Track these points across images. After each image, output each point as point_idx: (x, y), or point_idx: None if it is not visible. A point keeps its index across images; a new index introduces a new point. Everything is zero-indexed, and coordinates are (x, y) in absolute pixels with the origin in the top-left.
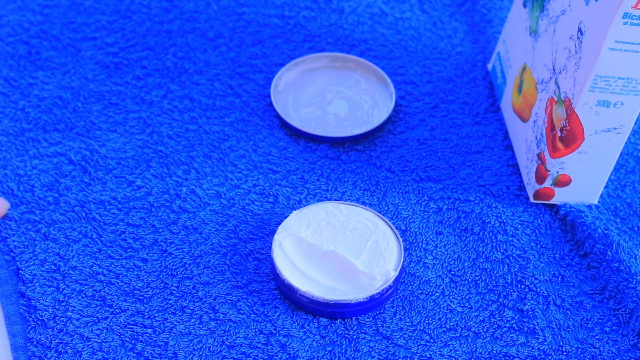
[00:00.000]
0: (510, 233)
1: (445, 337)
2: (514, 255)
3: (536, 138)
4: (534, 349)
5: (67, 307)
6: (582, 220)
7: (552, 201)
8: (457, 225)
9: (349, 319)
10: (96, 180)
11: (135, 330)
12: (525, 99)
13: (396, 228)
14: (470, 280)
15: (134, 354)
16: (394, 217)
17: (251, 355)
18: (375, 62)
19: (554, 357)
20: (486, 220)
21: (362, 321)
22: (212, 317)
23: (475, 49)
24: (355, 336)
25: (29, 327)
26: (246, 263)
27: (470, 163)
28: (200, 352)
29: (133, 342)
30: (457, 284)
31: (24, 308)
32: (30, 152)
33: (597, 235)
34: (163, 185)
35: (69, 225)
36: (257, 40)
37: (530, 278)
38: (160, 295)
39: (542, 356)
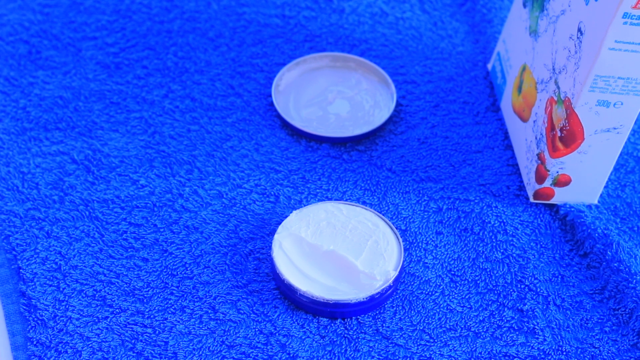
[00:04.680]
0: (510, 233)
1: (445, 337)
2: (514, 255)
3: (536, 138)
4: (533, 348)
5: (67, 306)
6: (582, 220)
7: (552, 201)
8: (457, 225)
9: (348, 319)
10: (99, 179)
11: (135, 330)
12: (525, 99)
13: (396, 228)
14: (470, 280)
15: (134, 354)
16: (394, 217)
17: (251, 355)
18: (376, 62)
19: (554, 357)
20: (486, 220)
21: (362, 321)
22: (212, 317)
23: (476, 49)
24: (355, 336)
25: (29, 327)
26: (246, 263)
27: (471, 162)
28: (200, 352)
29: (133, 341)
30: (457, 284)
31: (24, 307)
32: (33, 150)
33: (597, 235)
34: (166, 184)
35: (72, 223)
36: (257, 40)
37: (530, 278)
38: (161, 295)
39: (542, 356)
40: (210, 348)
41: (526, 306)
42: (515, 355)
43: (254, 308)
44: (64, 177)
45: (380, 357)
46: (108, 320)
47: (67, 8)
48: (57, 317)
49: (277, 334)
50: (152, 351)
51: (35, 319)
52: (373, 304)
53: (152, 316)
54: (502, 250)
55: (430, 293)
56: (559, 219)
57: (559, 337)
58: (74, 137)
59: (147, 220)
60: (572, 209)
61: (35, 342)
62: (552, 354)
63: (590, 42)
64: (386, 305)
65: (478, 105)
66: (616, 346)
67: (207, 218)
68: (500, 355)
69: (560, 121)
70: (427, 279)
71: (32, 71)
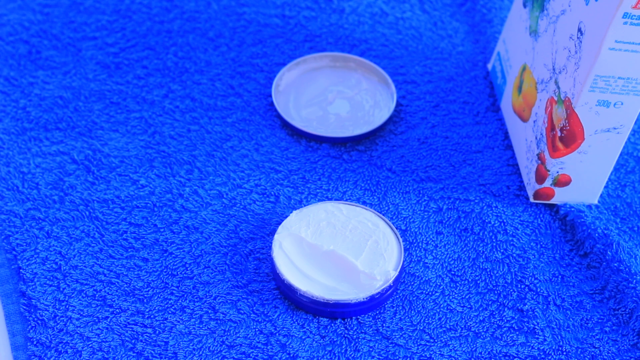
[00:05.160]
0: (510, 233)
1: (445, 337)
2: (514, 255)
3: (536, 138)
4: (534, 348)
5: (67, 306)
6: (582, 220)
7: (552, 201)
8: (457, 225)
9: (349, 319)
10: (100, 179)
11: (135, 330)
12: (525, 99)
13: (396, 228)
14: (470, 280)
15: (134, 354)
16: (394, 217)
17: (251, 355)
18: (376, 62)
19: (554, 357)
20: (486, 220)
21: (362, 321)
22: (212, 317)
23: (476, 49)
24: (355, 336)
25: (29, 327)
26: (246, 263)
27: (471, 162)
28: (200, 352)
29: (133, 341)
30: (457, 284)
31: (25, 307)
32: (33, 150)
33: (597, 235)
34: (166, 184)
35: (72, 223)
36: (257, 40)
37: (530, 278)
38: (161, 295)
39: (542, 356)
40: (211, 348)
41: (526, 306)
42: (515, 355)
43: (254, 308)
44: (64, 177)
45: (380, 357)
46: (108, 320)
47: (67, 8)
48: (57, 317)
49: (277, 334)
50: (152, 351)
51: (36, 319)
52: (373, 304)
53: (152, 316)
54: (502, 250)
55: (430, 293)
56: (559, 219)
57: (559, 337)
58: (74, 137)
59: (147, 220)
60: (572, 209)
61: (35, 342)
62: (552, 354)
63: (590, 42)
64: (386, 305)
65: (478, 105)
66: (616, 346)
67: (207, 218)
68: (501, 355)
69: (561, 121)
70: (427, 279)
71: (32, 71)
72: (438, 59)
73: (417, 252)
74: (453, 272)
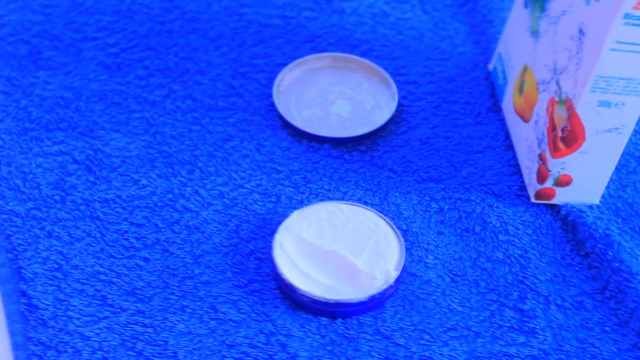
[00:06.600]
0: (512, 233)
1: (445, 336)
2: (515, 255)
3: (537, 138)
4: (534, 348)
5: (68, 306)
6: (583, 220)
7: (553, 201)
8: (459, 225)
9: (349, 319)
10: (101, 179)
11: (136, 329)
12: (526, 100)
13: (397, 228)
14: (471, 280)
15: (134, 353)
16: (395, 217)
17: (251, 354)
18: (377, 63)
19: (554, 356)
20: (487, 220)
21: (362, 321)
22: (213, 317)
23: (477, 50)
24: (355, 336)
25: (30, 326)
26: (247, 263)
27: (472, 163)
28: (200, 352)
29: (133, 341)
30: (458, 284)
31: (25, 307)
32: (34, 150)
33: (598, 235)
34: (167, 184)
35: (73, 223)
36: (258, 40)
37: (531, 278)
38: (161, 295)
39: (542, 356)
40: (211, 348)
41: (527, 306)
42: (516, 355)
43: (254, 308)
44: (65, 177)
45: (381, 357)
46: (108, 319)
47: (68, 8)
48: (58, 317)
49: (277, 334)
50: (152, 351)
51: (36, 319)
52: (374, 304)
53: (152, 316)
54: (503, 250)
55: (431, 293)
56: (560, 219)
57: (560, 337)
58: (76, 137)
59: (148, 220)
60: (574, 209)
61: (35, 342)
62: (553, 353)
63: (591, 43)
64: (387, 305)
65: (479, 105)
66: (617, 346)
67: (209, 218)
68: (501, 355)
69: (562, 121)
70: (428, 278)
71: (34, 71)
72: (439, 60)
73: (418, 252)
74: (454, 272)
